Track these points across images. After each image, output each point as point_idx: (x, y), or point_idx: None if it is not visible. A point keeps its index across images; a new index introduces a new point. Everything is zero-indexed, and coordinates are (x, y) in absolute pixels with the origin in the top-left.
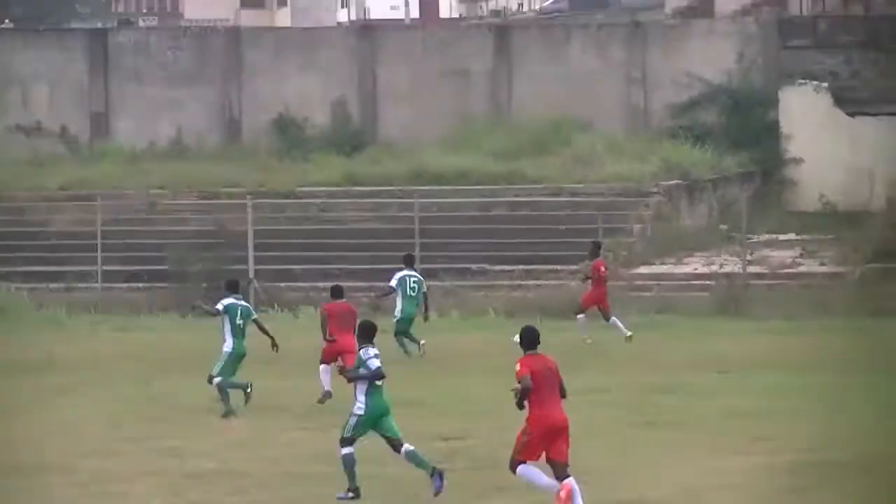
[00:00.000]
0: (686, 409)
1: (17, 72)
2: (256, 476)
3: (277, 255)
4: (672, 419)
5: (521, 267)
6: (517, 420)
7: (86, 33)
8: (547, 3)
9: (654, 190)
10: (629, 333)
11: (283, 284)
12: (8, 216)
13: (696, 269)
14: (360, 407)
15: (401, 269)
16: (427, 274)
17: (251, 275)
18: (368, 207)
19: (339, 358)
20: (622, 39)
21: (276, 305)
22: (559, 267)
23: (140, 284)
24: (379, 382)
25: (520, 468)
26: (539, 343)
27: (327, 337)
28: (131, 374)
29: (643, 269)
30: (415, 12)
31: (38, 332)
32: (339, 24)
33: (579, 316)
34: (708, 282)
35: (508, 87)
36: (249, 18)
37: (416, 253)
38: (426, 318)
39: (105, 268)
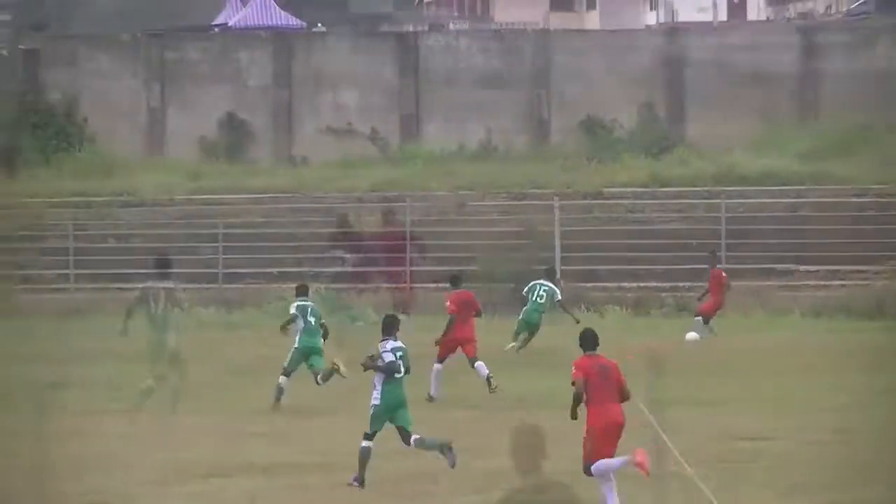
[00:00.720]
0: None
1: (328, 75)
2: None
3: (584, 256)
4: None
5: (826, 267)
6: (820, 420)
7: (396, 37)
8: (854, 5)
9: None
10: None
11: (588, 284)
12: (319, 217)
13: None
14: (376, 397)
15: (538, 279)
16: (732, 274)
17: (558, 275)
18: (675, 209)
19: (459, 348)
20: None
21: (581, 305)
22: (865, 267)
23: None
24: (398, 375)
25: (593, 466)
26: (598, 344)
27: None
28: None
29: None
30: (723, 14)
31: (342, 331)
32: (647, 26)
33: (697, 318)
34: None
35: (815, 88)
36: (558, 21)
37: (723, 253)
38: (577, 321)
39: (413, 268)
